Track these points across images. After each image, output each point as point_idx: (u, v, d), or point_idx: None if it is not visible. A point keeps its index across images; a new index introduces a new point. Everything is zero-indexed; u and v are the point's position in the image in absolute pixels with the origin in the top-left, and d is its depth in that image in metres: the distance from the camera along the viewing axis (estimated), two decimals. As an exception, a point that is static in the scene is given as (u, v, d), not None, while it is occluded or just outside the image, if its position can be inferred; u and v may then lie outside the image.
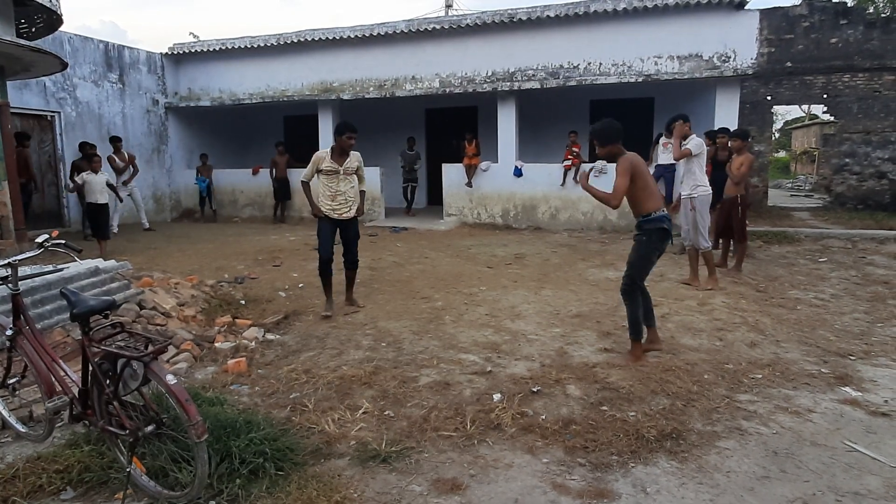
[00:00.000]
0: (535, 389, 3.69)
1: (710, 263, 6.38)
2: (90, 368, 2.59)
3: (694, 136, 6.43)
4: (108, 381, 2.50)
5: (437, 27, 12.38)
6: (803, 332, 4.87)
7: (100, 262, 5.29)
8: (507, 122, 11.77)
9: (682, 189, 6.60)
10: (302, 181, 5.62)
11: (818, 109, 21.70)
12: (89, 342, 2.56)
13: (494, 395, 3.60)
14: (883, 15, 14.63)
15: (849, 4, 12.74)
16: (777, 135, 34.21)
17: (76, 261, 4.77)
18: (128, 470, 2.47)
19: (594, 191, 4.12)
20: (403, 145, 13.61)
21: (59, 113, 11.56)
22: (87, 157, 11.42)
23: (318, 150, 13.05)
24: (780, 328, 4.97)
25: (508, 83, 11.66)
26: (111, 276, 5.20)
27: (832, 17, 11.77)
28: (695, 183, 6.35)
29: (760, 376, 3.89)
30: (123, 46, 13.15)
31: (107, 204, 8.72)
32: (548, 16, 11.45)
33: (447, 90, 12.17)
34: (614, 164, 4.16)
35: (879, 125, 13.62)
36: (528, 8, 11.76)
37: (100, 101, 12.46)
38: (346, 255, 5.67)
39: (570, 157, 11.27)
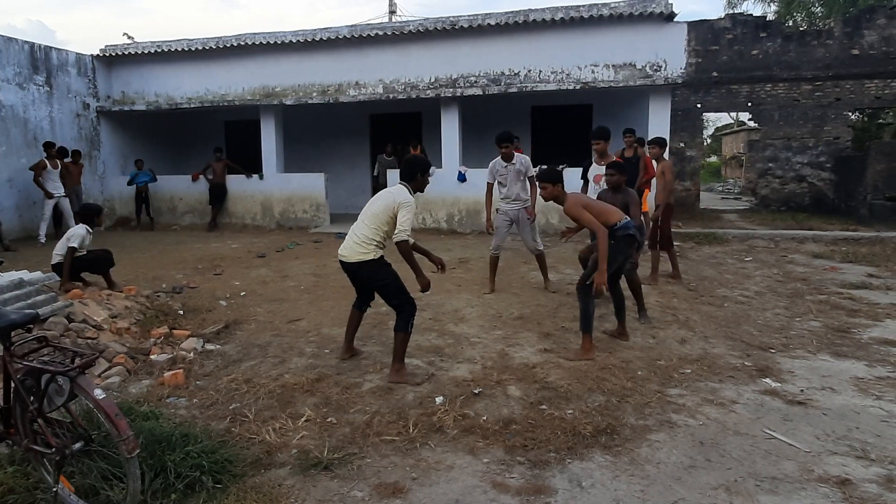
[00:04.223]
0: (476, 391, 3.76)
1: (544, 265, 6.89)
2: (12, 385, 2.48)
3: (518, 154, 6.50)
4: (31, 398, 2.40)
5: (381, 33, 12.40)
6: (729, 327, 5.15)
7: (24, 274, 5.04)
8: (450, 127, 11.88)
9: (516, 203, 6.54)
10: (408, 241, 4.41)
11: (745, 116, 22.87)
12: (11, 357, 2.46)
13: (437, 398, 3.65)
14: (801, 29, 15.61)
15: (768, 18, 13.53)
16: (708, 140, 35.88)
17: (-3, 273, 4.53)
18: (54, 490, 2.38)
19: (602, 254, 4.27)
20: (367, 151, 13.59)
21: (-21, 117, 10.91)
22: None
23: (260, 156, 13.08)
24: (708, 325, 5.23)
25: (451, 89, 11.78)
26: (37, 288, 4.96)
27: (753, 30, 12.48)
28: (528, 195, 6.52)
29: (689, 371, 4.10)
30: (51, 47, 12.52)
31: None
32: (489, 24, 11.65)
33: (391, 96, 12.19)
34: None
35: (799, 132, 14.53)
36: (469, 16, 11.93)
37: (25, 105, 11.81)
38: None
39: (512, 162, 11.48)
